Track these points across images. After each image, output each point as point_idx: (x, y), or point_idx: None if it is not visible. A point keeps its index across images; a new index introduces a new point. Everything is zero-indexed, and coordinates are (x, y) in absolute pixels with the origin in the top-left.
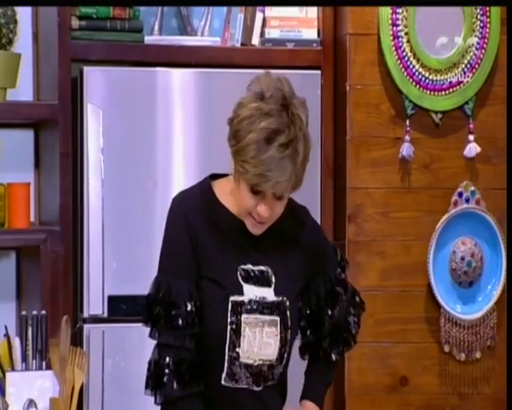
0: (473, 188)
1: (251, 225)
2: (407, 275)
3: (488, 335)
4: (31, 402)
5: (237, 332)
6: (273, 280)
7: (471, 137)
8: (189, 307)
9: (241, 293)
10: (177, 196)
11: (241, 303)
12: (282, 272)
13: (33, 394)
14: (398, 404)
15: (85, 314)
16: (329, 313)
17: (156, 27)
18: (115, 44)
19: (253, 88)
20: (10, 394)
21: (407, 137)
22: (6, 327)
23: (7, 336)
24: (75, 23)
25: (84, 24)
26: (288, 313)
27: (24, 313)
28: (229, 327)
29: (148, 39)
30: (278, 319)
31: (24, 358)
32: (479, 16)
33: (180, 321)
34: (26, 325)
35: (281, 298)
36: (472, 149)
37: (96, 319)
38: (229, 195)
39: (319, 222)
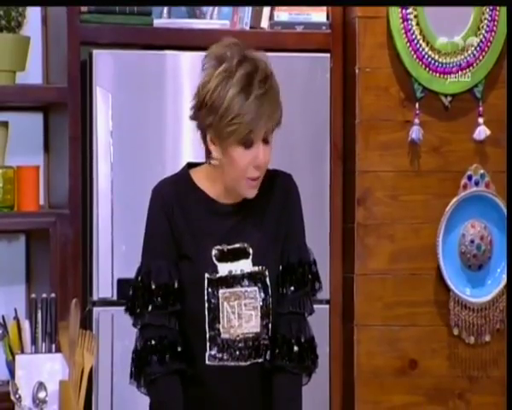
0: (482, 171)
1: (248, 189)
2: (416, 258)
3: (497, 318)
4: (40, 385)
5: (216, 309)
6: (250, 252)
7: (481, 120)
8: (168, 286)
9: (215, 271)
10: (156, 185)
11: (218, 279)
12: (260, 242)
13: (43, 376)
14: (407, 387)
15: (95, 297)
16: (292, 288)
17: (165, 10)
18: (124, 28)
19: (210, 63)
20: (20, 376)
21: (416, 121)
22: (16, 310)
23: (16, 318)
24: (84, 6)
25: (93, 7)
26: (268, 281)
27: (33, 295)
28: (206, 304)
29: (157, 22)
30: (257, 289)
31: (33, 341)
32: None
33: (160, 300)
34: (36, 307)
35: (259, 268)
36: (481, 131)
37: (105, 302)
38: (206, 179)
39: (328, 206)
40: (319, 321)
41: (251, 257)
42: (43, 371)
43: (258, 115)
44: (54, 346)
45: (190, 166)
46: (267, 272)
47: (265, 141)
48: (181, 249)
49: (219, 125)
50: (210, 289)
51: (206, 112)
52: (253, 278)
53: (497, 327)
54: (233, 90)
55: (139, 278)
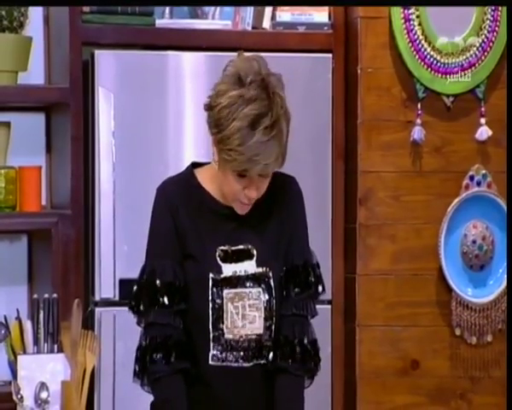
0: (484, 171)
1: (239, 208)
2: (418, 258)
3: (499, 318)
4: (42, 385)
5: (220, 309)
6: (254, 253)
7: (482, 121)
8: (173, 285)
9: (220, 271)
10: (160, 184)
11: (222, 280)
12: (263, 244)
13: (45, 377)
14: (408, 387)
15: (97, 298)
16: (296, 290)
17: (167, 11)
18: (126, 28)
19: (230, 74)
20: (22, 377)
21: (418, 121)
22: (18, 310)
23: (18, 319)
24: (86, 6)
25: (95, 7)
26: (272, 282)
27: (35, 296)
28: (210, 305)
29: (159, 23)
30: (261, 290)
31: (35, 341)
32: None
33: (165, 299)
34: (38, 308)
35: (263, 269)
36: (483, 132)
37: (107, 303)
38: (210, 180)
39: (330, 206)
40: (321, 321)
41: (255, 258)
42: (45, 371)
43: (255, 161)
44: (56, 346)
45: (195, 165)
46: (271, 274)
47: (263, 175)
48: (185, 249)
49: (219, 144)
50: (214, 290)
51: (212, 121)
52: (257, 279)
53: (499, 327)
54: (239, 122)
55: (144, 277)
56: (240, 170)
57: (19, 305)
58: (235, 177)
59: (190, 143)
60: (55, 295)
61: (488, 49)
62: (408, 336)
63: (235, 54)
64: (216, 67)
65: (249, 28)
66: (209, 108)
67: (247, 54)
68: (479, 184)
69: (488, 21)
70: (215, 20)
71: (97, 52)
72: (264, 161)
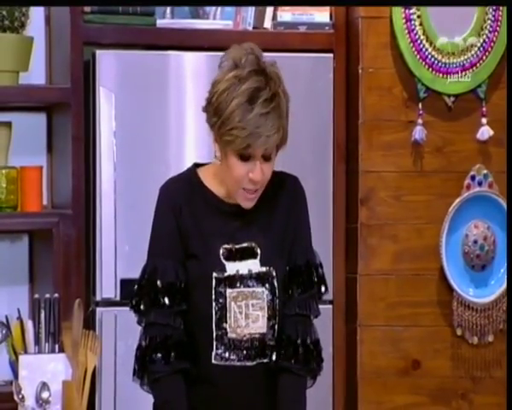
0: (485, 171)
1: (243, 200)
2: (419, 258)
3: (500, 318)
4: (43, 385)
5: (223, 308)
6: (258, 252)
7: (484, 121)
8: (174, 285)
9: (223, 270)
10: (164, 183)
11: (225, 279)
12: (267, 243)
13: (46, 377)
14: (410, 387)
15: (98, 297)
16: (298, 290)
17: (168, 11)
18: (127, 28)
19: (225, 63)
20: (23, 377)
21: (420, 121)
22: (19, 310)
23: (20, 319)
24: (87, 6)
25: (96, 7)
26: (276, 282)
27: (37, 296)
28: (214, 304)
29: (160, 23)
30: (264, 289)
31: (37, 341)
32: None
33: (166, 300)
34: (39, 308)
35: (267, 268)
36: (485, 132)
37: (108, 303)
38: (213, 178)
39: (331, 206)
40: (322, 321)
41: (259, 257)
42: (46, 371)
43: (256, 134)
44: (57, 346)
45: (197, 166)
46: (275, 273)
47: (266, 158)
48: (188, 248)
49: (220, 130)
50: (218, 289)
51: (211, 111)
52: (260, 278)
53: (500, 327)
54: (237, 99)
55: (145, 277)
56: (243, 147)
57: (20, 305)
58: (238, 161)
59: (191, 143)
60: (56, 295)
61: (489, 49)
62: (409, 336)
63: None
64: (217, 67)
65: (250, 28)
66: (207, 102)
67: None
68: (480, 184)
69: (489, 21)
70: (216, 20)
71: (98, 52)
72: (266, 132)
